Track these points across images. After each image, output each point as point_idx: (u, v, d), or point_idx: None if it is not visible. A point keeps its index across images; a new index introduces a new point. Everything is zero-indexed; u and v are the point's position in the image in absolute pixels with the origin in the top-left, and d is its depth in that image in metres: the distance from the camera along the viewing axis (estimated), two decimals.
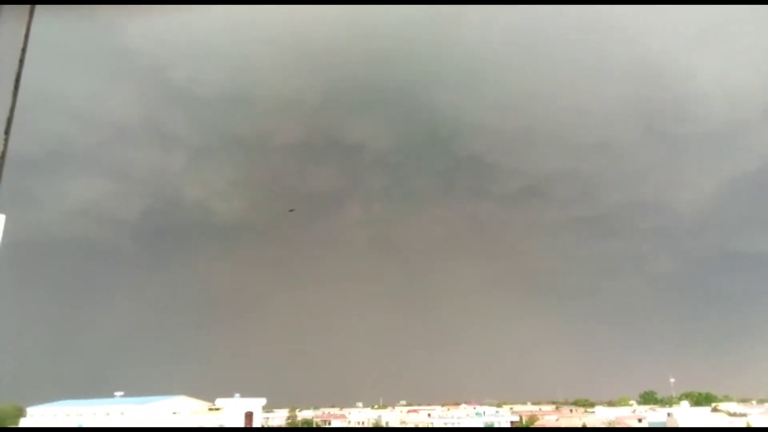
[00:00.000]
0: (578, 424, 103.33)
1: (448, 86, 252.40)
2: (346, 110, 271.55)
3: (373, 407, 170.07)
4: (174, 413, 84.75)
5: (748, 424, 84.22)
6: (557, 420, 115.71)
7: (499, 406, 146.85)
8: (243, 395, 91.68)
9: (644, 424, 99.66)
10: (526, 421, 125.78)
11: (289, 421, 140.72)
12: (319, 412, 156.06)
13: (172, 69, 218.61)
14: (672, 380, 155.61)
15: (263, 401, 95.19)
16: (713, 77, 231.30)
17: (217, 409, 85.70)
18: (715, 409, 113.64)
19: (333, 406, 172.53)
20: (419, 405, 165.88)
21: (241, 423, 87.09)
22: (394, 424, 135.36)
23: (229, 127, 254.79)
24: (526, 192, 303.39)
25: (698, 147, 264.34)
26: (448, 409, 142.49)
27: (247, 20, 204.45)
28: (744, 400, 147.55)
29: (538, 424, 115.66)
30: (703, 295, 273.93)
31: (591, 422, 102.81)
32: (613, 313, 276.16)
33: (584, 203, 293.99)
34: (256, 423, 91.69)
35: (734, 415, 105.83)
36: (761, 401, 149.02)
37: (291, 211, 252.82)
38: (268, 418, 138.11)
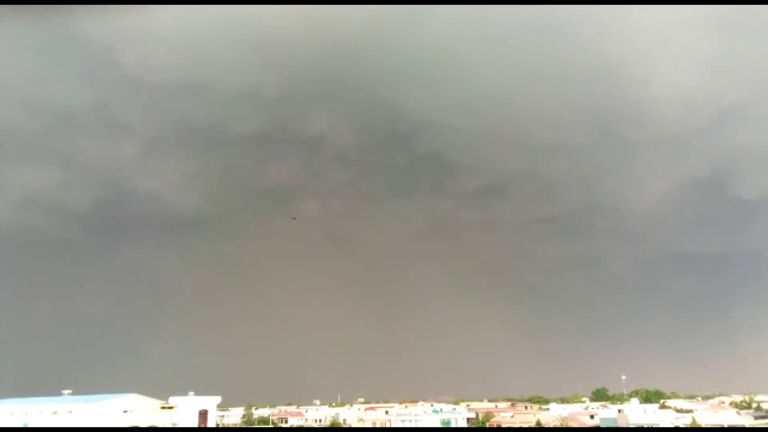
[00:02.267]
0: (533, 421, 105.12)
1: (409, 84, 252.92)
2: (306, 103, 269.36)
3: (330, 405, 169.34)
4: (125, 412, 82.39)
5: (693, 419, 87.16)
6: (512, 417, 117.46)
7: (456, 403, 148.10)
8: (197, 393, 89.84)
9: (596, 421, 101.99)
10: (482, 418, 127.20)
11: (245, 419, 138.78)
12: (275, 410, 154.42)
13: (123, 54, 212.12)
14: (623, 377, 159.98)
15: (218, 399, 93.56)
16: (668, 83, 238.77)
17: (170, 408, 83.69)
18: (663, 406, 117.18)
19: (290, 404, 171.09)
20: (377, 402, 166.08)
21: (195, 421, 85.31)
22: (352, 421, 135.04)
23: (183, 117, 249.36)
24: (485, 191, 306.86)
25: (652, 151, 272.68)
26: (406, 407, 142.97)
27: (204, 9, 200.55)
28: (690, 397, 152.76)
29: (493, 421, 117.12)
30: (653, 294, 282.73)
31: (545, 419, 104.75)
32: (568, 312, 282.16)
33: (542, 204, 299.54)
34: (211, 421, 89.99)
35: (681, 411, 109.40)
36: (706, 398, 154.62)
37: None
38: (223, 416, 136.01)
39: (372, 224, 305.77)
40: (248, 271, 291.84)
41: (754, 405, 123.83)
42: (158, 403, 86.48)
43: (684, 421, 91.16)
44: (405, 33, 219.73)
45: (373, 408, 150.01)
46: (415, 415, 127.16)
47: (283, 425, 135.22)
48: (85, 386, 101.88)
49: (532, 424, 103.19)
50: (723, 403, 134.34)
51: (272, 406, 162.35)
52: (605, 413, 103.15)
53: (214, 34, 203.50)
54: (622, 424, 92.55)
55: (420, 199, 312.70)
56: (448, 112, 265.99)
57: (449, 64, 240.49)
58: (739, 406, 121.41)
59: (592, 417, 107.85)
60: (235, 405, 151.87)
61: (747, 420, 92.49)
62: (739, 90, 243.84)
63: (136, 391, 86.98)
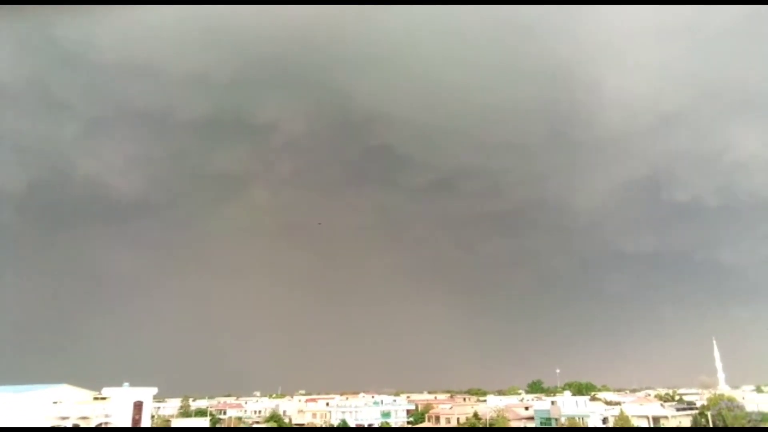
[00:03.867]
0: (470, 413, 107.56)
1: (364, 74, 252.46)
2: (257, 90, 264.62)
3: (271, 396, 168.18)
4: (55, 403, 79.29)
5: (621, 411, 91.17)
6: (451, 408, 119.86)
7: (397, 394, 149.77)
8: (132, 384, 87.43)
9: (530, 412, 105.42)
10: (421, 410, 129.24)
11: (182, 410, 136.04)
12: (214, 402, 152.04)
13: (61, 28, 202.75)
14: (558, 371, 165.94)
15: (154, 390, 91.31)
16: (614, 87, 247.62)
17: (104, 399, 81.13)
18: (593, 398, 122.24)
19: (229, 395, 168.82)
20: (318, 394, 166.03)
21: (129, 413, 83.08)
22: (293, 413, 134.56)
23: (128, 98, 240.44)
24: (435, 185, 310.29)
25: (596, 152, 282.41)
26: (347, 398, 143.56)
27: None
28: (619, 390, 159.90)
29: (432, 412, 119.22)
30: (590, 291, 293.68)
31: (482, 410, 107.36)
32: (509, 306, 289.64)
33: (489, 199, 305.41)
34: (146, 413, 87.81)
35: (610, 403, 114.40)
36: (634, 390, 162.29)
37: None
38: (159, 407, 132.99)
39: (321, 215, 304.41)
40: (191, 259, 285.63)
41: (677, 398, 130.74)
42: (91, 394, 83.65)
43: (612, 413, 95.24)
44: (361, 23, 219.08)
45: (314, 399, 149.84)
46: (356, 406, 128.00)
47: (222, 417, 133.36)
48: (13, 377, 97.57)
49: (470, 416, 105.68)
50: (649, 395, 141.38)
51: (211, 397, 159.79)
52: (539, 405, 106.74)
53: (161, 14, 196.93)
54: (554, 415, 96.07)
55: (370, 191, 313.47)
56: (401, 105, 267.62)
57: (404, 57, 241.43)
58: (664, 399, 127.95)
59: (527, 408, 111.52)
60: (172, 396, 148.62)
61: (670, 412, 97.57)
62: (680, 96, 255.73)
63: (68, 381, 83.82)
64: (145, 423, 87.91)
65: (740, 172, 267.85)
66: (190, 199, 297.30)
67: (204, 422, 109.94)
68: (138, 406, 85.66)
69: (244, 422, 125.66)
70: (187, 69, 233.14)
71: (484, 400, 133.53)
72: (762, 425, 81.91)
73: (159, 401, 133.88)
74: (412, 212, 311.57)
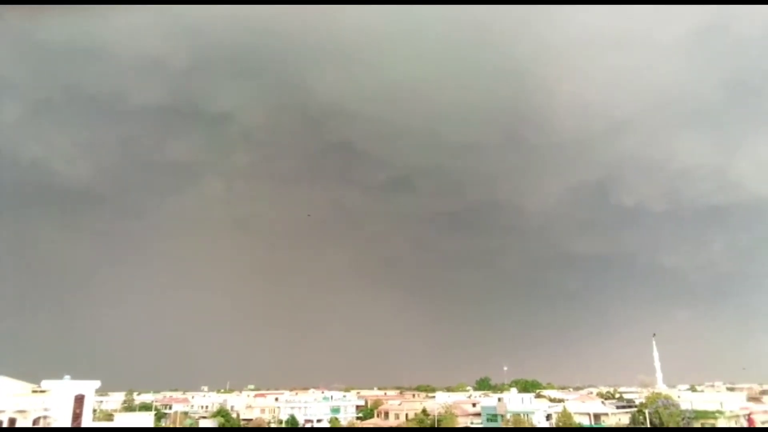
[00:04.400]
0: (419, 409, 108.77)
1: (324, 69, 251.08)
2: (214, 78, 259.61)
3: (219, 391, 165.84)
4: None
5: (564, 409, 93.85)
6: (400, 404, 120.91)
7: (347, 390, 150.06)
8: (74, 377, 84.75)
9: (477, 409, 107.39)
10: (371, 405, 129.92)
11: (125, 405, 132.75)
12: (159, 396, 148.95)
13: (6, 6, 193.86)
14: (505, 368, 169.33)
15: (97, 384, 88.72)
16: (569, 93, 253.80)
17: (43, 392, 78.31)
18: (538, 395, 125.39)
19: (175, 390, 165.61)
20: (268, 389, 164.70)
21: (70, 407, 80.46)
22: (240, 408, 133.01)
23: (77, 82, 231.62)
24: (392, 183, 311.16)
25: (550, 155, 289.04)
26: (297, 394, 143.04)
27: None
28: (563, 388, 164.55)
29: (382, 408, 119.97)
30: (539, 291, 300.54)
31: (431, 406, 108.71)
32: (460, 304, 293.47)
33: (446, 198, 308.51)
34: (88, 407, 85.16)
35: (554, 400, 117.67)
36: (577, 388, 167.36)
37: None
38: (102, 401, 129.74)
39: (276, 209, 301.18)
40: (140, 250, 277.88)
41: (617, 396, 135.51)
42: (30, 386, 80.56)
43: (556, 410, 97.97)
44: (323, 19, 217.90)
45: (262, 395, 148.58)
46: (305, 402, 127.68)
47: (167, 412, 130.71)
48: None
49: (419, 412, 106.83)
50: (591, 393, 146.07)
51: (156, 391, 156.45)
52: (486, 401, 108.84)
53: None
54: (501, 411, 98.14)
55: (327, 186, 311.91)
56: (361, 102, 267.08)
57: (365, 54, 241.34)
58: (605, 397, 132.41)
59: (474, 405, 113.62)
60: (116, 390, 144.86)
61: (610, 409, 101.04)
62: (631, 105, 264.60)
63: (4, 373, 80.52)
64: (87, 417, 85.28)
65: (684, 180, 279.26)
66: (140, 188, 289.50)
67: (148, 417, 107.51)
68: (79, 400, 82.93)
69: (190, 417, 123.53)
70: (141, 53, 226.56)
71: (433, 397, 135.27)
72: (695, 423, 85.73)
73: (102, 395, 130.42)
74: (369, 209, 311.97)
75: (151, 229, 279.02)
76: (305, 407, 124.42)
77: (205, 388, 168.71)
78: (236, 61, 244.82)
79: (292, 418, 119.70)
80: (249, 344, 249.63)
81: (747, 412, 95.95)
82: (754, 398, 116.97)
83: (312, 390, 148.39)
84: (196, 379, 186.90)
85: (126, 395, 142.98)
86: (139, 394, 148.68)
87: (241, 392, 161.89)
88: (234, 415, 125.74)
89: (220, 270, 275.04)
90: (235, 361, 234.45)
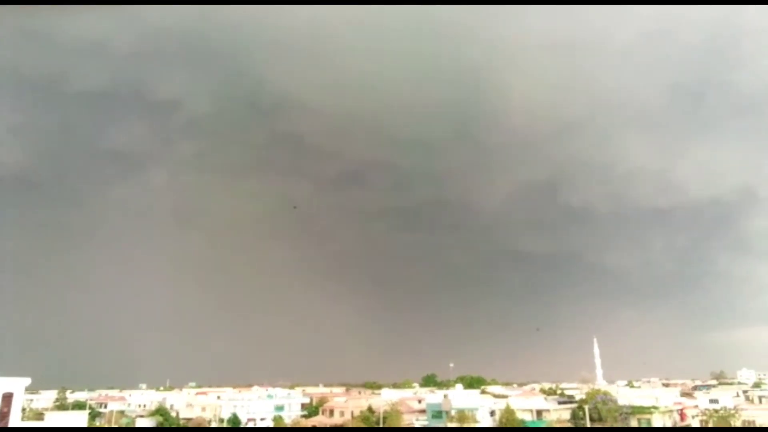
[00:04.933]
0: (365, 406, 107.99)
1: (275, 59, 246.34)
2: (159, 63, 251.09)
3: (158, 389, 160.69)
4: None
5: (507, 405, 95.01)
6: (346, 401, 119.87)
7: (291, 388, 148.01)
8: (1, 374, 79.96)
9: (423, 406, 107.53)
10: (316, 403, 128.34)
11: (58, 403, 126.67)
12: (94, 394, 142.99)
13: None
14: (451, 365, 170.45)
15: (27, 381, 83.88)
16: (521, 94, 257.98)
17: None
18: (483, 392, 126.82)
19: (111, 388, 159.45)
20: (210, 387, 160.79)
21: None
22: (181, 407, 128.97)
23: (10, 63, 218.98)
24: (342, 177, 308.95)
25: (500, 154, 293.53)
26: (240, 391, 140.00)
27: None
28: (507, 384, 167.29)
29: (327, 405, 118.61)
30: (487, 288, 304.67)
31: (376, 403, 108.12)
32: (408, 301, 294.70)
33: (396, 194, 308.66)
34: (17, 405, 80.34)
35: (498, 396, 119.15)
36: (521, 384, 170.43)
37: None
38: (32, 399, 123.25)
39: (223, 201, 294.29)
40: (77, 240, 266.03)
41: (559, 391, 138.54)
42: None
43: (500, 406, 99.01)
44: (276, 9, 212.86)
45: (204, 393, 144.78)
46: (249, 399, 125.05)
47: (102, 411, 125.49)
48: None
49: (364, 409, 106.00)
50: (534, 389, 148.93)
51: (91, 389, 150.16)
52: (432, 398, 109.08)
53: None
54: (446, 408, 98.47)
55: (275, 179, 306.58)
56: (312, 94, 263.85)
57: (317, 46, 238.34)
58: (547, 392, 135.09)
59: (420, 401, 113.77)
60: (48, 388, 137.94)
61: (552, 405, 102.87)
62: (580, 106, 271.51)
63: None
64: (15, 416, 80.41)
65: (629, 182, 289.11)
66: (78, 177, 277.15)
67: (82, 415, 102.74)
68: (7, 398, 77.97)
69: (126, 416, 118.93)
70: (82, 35, 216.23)
71: (379, 393, 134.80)
72: (632, 417, 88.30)
73: (32, 393, 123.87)
74: (318, 203, 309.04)
75: (89, 220, 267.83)
76: (248, 405, 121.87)
77: (144, 386, 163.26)
78: (184, 47, 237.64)
79: (235, 417, 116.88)
80: (191, 341, 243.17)
81: (680, 407, 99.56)
82: (686, 394, 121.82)
83: (256, 387, 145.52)
84: (135, 377, 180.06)
85: (58, 393, 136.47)
86: (72, 393, 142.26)
87: (181, 390, 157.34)
88: (173, 414, 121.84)
89: (162, 264, 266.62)
90: (176, 358, 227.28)
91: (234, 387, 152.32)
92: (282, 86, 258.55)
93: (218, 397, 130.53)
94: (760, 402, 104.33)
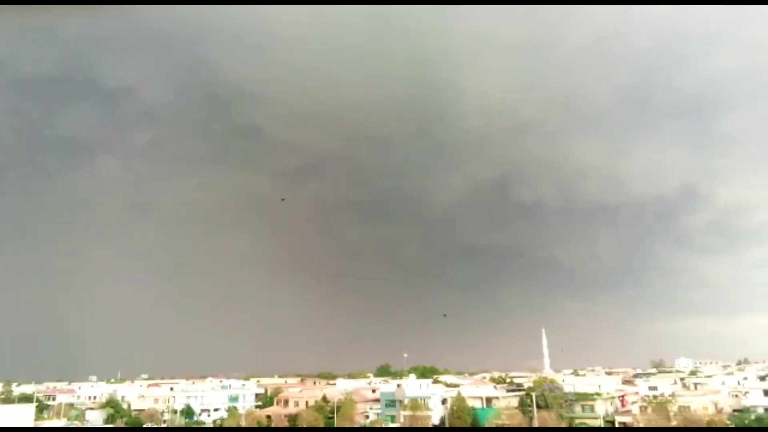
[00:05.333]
0: (319, 396, 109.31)
1: (235, 50, 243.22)
2: (112, 49, 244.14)
3: (109, 381, 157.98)
4: None
5: (458, 393, 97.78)
6: (300, 392, 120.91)
7: (246, 378, 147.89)
8: None
9: (377, 395, 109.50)
10: (271, 393, 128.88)
11: (3, 396, 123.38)
12: (42, 387, 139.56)
13: None
14: (405, 355, 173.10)
15: None
16: (477, 93, 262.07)
17: None
18: (435, 381, 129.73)
19: (60, 380, 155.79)
20: (162, 378, 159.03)
21: None
22: (132, 398, 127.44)
23: None
24: (300, 170, 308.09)
25: (455, 151, 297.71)
26: (193, 383, 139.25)
27: None
28: (459, 373, 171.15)
29: (282, 396, 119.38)
30: (439, 281, 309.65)
31: (331, 393, 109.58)
32: (363, 293, 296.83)
33: (353, 188, 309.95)
34: None
35: (450, 385, 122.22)
36: (472, 374, 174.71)
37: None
38: None
39: (177, 191, 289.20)
40: (24, 230, 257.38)
41: (508, 380, 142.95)
42: None
43: (452, 395, 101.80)
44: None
45: (156, 384, 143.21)
46: (202, 391, 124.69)
47: (50, 403, 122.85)
48: None
49: (319, 399, 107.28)
50: (485, 378, 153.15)
51: (38, 382, 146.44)
52: (386, 388, 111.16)
53: None
54: (399, 397, 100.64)
55: (232, 170, 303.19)
56: (270, 86, 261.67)
57: (278, 39, 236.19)
58: (497, 381, 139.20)
59: (374, 391, 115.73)
60: None
61: (501, 393, 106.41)
62: (534, 106, 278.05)
63: None
64: None
65: (578, 179, 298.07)
66: (26, 164, 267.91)
67: (29, 409, 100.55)
68: None
69: (76, 408, 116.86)
70: (29, 19, 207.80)
71: (334, 384, 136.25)
72: (577, 404, 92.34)
73: None
74: (275, 195, 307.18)
75: (37, 209, 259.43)
76: (202, 396, 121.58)
77: (94, 378, 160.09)
78: (137, 33, 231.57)
79: (188, 408, 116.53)
80: (144, 332, 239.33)
81: (621, 393, 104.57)
82: (627, 381, 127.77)
83: (210, 379, 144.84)
84: (85, 370, 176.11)
85: (4, 386, 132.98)
86: (18, 385, 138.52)
87: (133, 382, 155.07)
88: (125, 406, 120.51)
89: (114, 254, 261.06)
90: (128, 350, 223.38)
91: (187, 378, 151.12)
92: (240, 78, 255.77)
93: (171, 389, 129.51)
94: (696, 388, 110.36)
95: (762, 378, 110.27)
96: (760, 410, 67.98)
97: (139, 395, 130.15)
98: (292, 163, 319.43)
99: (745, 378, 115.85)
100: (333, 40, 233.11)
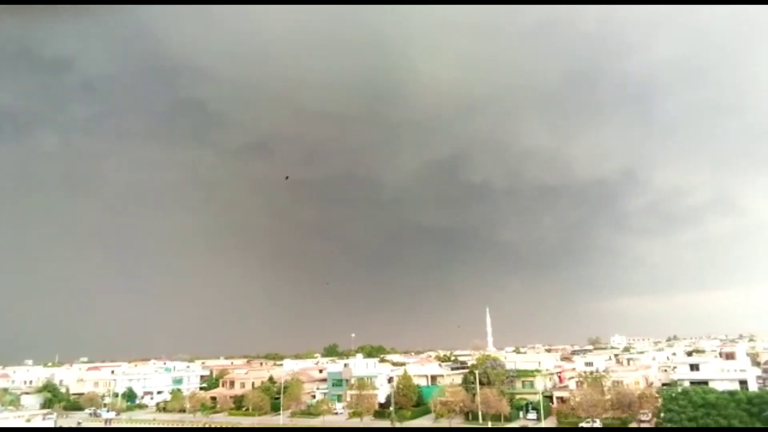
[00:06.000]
0: (266, 376, 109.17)
1: (176, 19, 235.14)
2: (47, 16, 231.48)
3: (46, 365, 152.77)
4: None
5: (405, 371, 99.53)
6: (246, 373, 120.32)
7: (191, 360, 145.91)
8: None
9: (324, 375, 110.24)
10: (216, 375, 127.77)
11: None
12: None
13: None
14: (353, 335, 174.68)
15: None
16: (429, 75, 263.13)
17: None
18: (382, 360, 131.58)
19: None
20: (103, 362, 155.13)
21: None
22: (71, 382, 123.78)
23: None
24: (248, 148, 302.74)
25: (407, 132, 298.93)
26: (136, 365, 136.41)
27: None
28: (406, 352, 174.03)
29: (227, 377, 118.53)
30: (389, 261, 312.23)
31: (278, 374, 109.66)
32: (311, 273, 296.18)
33: (304, 167, 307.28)
34: None
35: (396, 364, 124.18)
36: (418, 352, 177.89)
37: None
38: None
39: (119, 167, 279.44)
40: None
41: (453, 358, 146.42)
42: None
43: (398, 373, 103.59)
44: None
45: (97, 368, 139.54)
46: (145, 374, 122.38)
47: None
48: None
49: (265, 380, 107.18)
50: (430, 357, 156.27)
51: None
52: (333, 367, 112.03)
53: None
54: (346, 376, 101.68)
55: (178, 147, 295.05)
56: (216, 59, 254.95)
57: (224, 9, 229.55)
58: (442, 360, 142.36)
59: (321, 371, 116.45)
60: None
61: (446, 371, 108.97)
62: (483, 89, 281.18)
63: None
64: None
65: (525, 161, 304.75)
66: None
67: None
68: None
69: (10, 393, 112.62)
70: None
71: (281, 364, 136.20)
72: (517, 380, 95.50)
73: None
74: (223, 173, 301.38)
75: None
76: (145, 379, 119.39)
77: (30, 362, 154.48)
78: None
79: (130, 391, 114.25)
80: (83, 314, 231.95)
81: (559, 370, 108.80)
82: (565, 358, 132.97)
83: (153, 361, 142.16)
84: (19, 353, 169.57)
85: None
86: None
87: (71, 365, 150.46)
88: (63, 390, 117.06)
89: (52, 232, 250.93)
90: (66, 332, 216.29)
91: (130, 362, 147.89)
92: (183, 49, 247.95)
93: (112, 372, 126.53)
94: (629, 364, 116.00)
95: (689, 353, 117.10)
96: (686, 383, 72.35)
97: (78, 379, 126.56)
98: (238, 139, 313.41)
99: (674, 353, 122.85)
100: (281, 14, 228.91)
